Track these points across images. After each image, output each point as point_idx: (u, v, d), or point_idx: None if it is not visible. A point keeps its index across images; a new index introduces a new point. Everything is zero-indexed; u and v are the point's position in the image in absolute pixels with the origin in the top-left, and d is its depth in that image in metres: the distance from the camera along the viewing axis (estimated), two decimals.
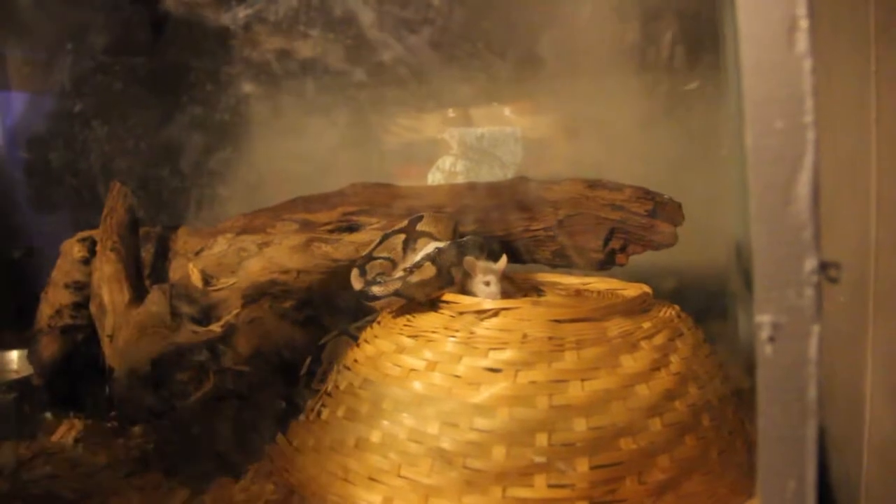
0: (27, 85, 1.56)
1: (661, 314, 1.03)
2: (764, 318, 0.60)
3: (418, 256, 1.09)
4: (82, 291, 1.44)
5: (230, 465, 1.07)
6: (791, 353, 0.60)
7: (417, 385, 0.93)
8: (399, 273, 1.06)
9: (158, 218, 1.36)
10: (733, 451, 0.98)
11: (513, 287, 1.12)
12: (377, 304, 1.05)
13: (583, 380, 0.90)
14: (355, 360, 1.04)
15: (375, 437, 0.93)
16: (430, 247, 1.10)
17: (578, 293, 1.16)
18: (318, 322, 1.31)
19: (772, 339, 0.60)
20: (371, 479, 0.91)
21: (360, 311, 1.22)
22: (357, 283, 1.07)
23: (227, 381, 1.19)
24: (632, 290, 1.12)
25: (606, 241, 1.21)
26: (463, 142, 1.58)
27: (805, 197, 0.58)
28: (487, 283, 1.04)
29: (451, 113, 1.59)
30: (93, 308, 1.39)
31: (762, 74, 0.59)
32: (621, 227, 1.21)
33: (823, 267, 0.59)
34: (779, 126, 0.58)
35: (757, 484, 0.65)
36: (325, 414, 1.02)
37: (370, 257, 1.13)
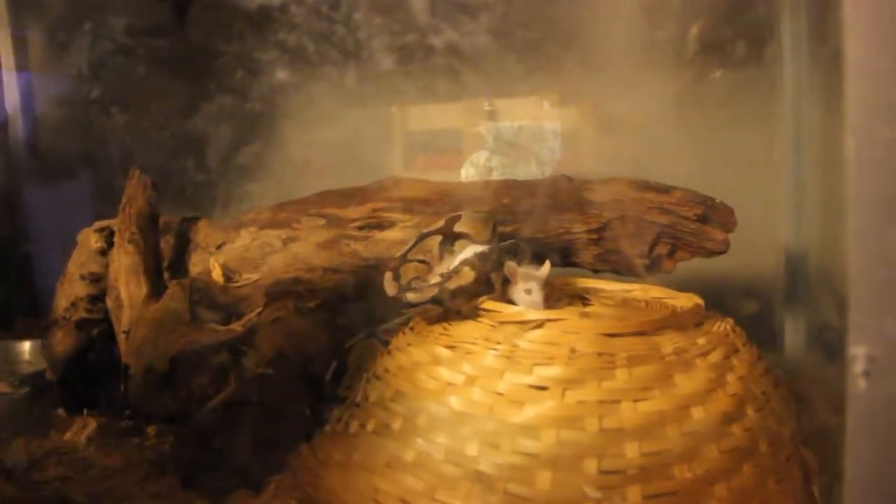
0: (43, 68, 1.50)
1: (716, 328, 0.97)
2: (858, 350, 0.53)
3: (456, 260, 1.03)
4: (99, 283, 1.39)
5: (251, 477, 1.01)
6: (887, 389, 0.54)
7: (455, 401, 0.86)
8: (435, 278, 1.00)
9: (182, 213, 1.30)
10: (790, 479, 0.92)
11: (554, 294, 1.05)
12: (412, 312, 0.99)
13: (635, 400, 0.83)
14: (386, 370, 0.97)
15: (409, 455, 0.87)
16: (469, 250, 1.03)
17: (625, 302, 1.09)
18: (345, 323, 1.25)
19: (866, 374, 0.54)
20: (403, 501, 0.85)
21: (389, 313, 1.16)
22: (391, 289, 1.01)
23: (249, 384, 1.13)
24: (681, 299, 1.05)
25: (653, 245, 1.14)
26: (499, 136, 1.51)
27: None
28: (529, 291, 0.97)
29: (486, 106, 1.52)
30: (109, 302, 1.33)
31: (868, 76, 0.52)
32: (669, 232, 1.14)
33: None
34: (886, 134, 0.51)
35: None
36: (353, 427, 0.96)
37: (404, 259, 1.07)
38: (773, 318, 1.39)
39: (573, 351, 0.86)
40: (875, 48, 0.52)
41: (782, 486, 0.89)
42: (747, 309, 1.17)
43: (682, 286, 1.08)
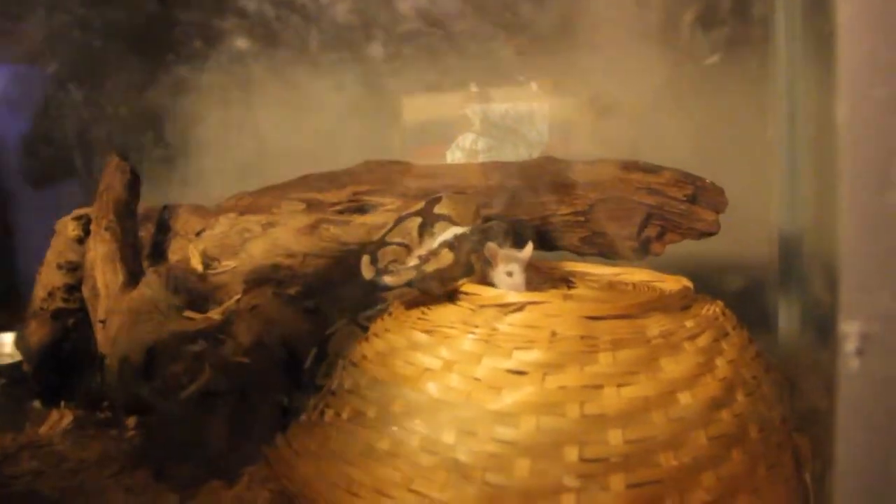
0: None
1: (705, 311, 0.93)
2: (851, 327, 0.49)
3: (436, 242, 0.99)
4: (76, 273, 1.36)
5: (225, 468, 0.98)
6: (883, 368, 0.50)
7: (432, 387, 0.83)
8: (413, 261, 0.96)
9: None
10: (781, 466, 0.88)
11: (538, 277, 1.02)
12: (389, 295, 0.95)
13: (619, 385, 0.79)
14: (363, 356, 0.94)
15: (384, 444, 0.83)
16: (449, 232, 1.00)
17: (611, 285, 1.05)
18: (325, 310, 1.22)
19: (860, 352, 0.50)
20: (378, 491, 0.81)
21: (370, 299, 1.12)
22: (367, 272, 0.97)
23: (226, 373, 1.09)
24: (670, 282, 1.01)
25: (641, 227, 1.10)
26: (485, 118, 1.47)
27: None
28: (510, 274, 0.94)
29: (473, 87, 1.48)
30: (85, 291, 1.30)
31: (860, 32, 0.48)
32: (658, 213, 1.10)
33: None
34: (880, 95, 0.48)
35: None
36: (328, 415, 0.92)
37: (382, 242, 1.03)
38: (767, 301, 1.36)
39: (554, 334, 0.82)
40: (867, 5, 0.48)
41: (773, 473, 0.86)
42: (740, 291, 1.14)
43: (675, 269, 1.04)
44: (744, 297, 1.10)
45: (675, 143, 1.31)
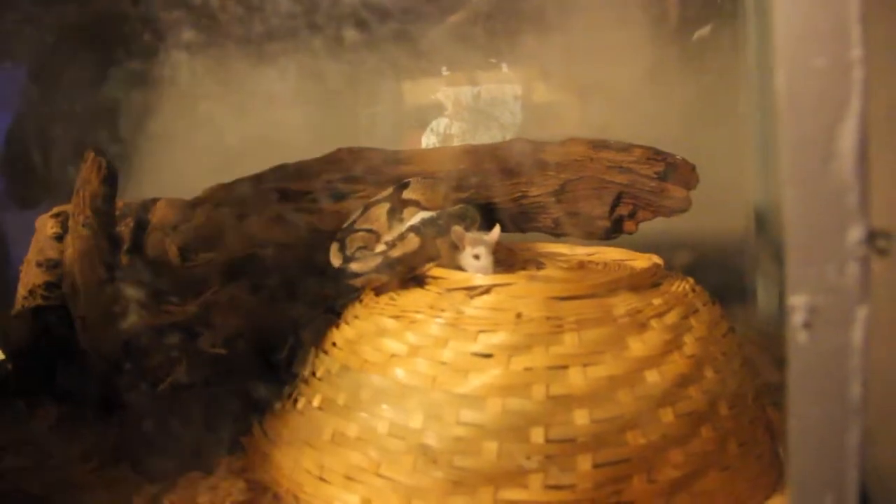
0: None
1: (674, 288, 0.93)
2: (798, 300, 0.49)
3: (404, 227, 0.99)
4: (56, 270, 1.35)
5: (202, 459, 0.98)
6: (831, 341, 0.49)
7: (399, 373, 0.83)
8: (381, 247, 0.96)
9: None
10: (754, 442, 0.88)
11: (510, 259, 1.02)
12: (357, 282, 0.95)
13: (585, 365, 0.80)
14: (333, 344, 0.94)
15: (353, 430, 0.83)
16: (416, 217, 0.99)
17: (582, 265, 1.05)
18: (303, 299, 1.22)
19: (807, 325, 0.50)
20: (348, 477, 0.82)
21: (344, 287, 1.12)
22: (336, 260, 0.97)
23: (203, 364, 1.10)
24: (641, 261, 1.01)
25: (613, 206, 1.10)
26: (458, 102, 1.46)
27: (849, 152, 0.47)
28: (477, 257, 0.93)
29: (444, 71, 1.47)
30: (65, 288, 1.30)
31: (798, 1, 0.48)
32: (629, 192, 1.09)
33: (871, 237, 0.48)
34: (818, 64, 0.47)
35: (787, 493, 0.55)
36: (300, 403, 0.93)
37: (351, 229, 1.03)
38: (745, 277, 1.35)
39: (519, 316, 0.82)
40: None
41: (745, 450, 0.86)
42: (718, 267, 1.13)
43: (652, 247, 1.04)
44: (722, 273, 1.10)
45: (648, 120, 1.31)
